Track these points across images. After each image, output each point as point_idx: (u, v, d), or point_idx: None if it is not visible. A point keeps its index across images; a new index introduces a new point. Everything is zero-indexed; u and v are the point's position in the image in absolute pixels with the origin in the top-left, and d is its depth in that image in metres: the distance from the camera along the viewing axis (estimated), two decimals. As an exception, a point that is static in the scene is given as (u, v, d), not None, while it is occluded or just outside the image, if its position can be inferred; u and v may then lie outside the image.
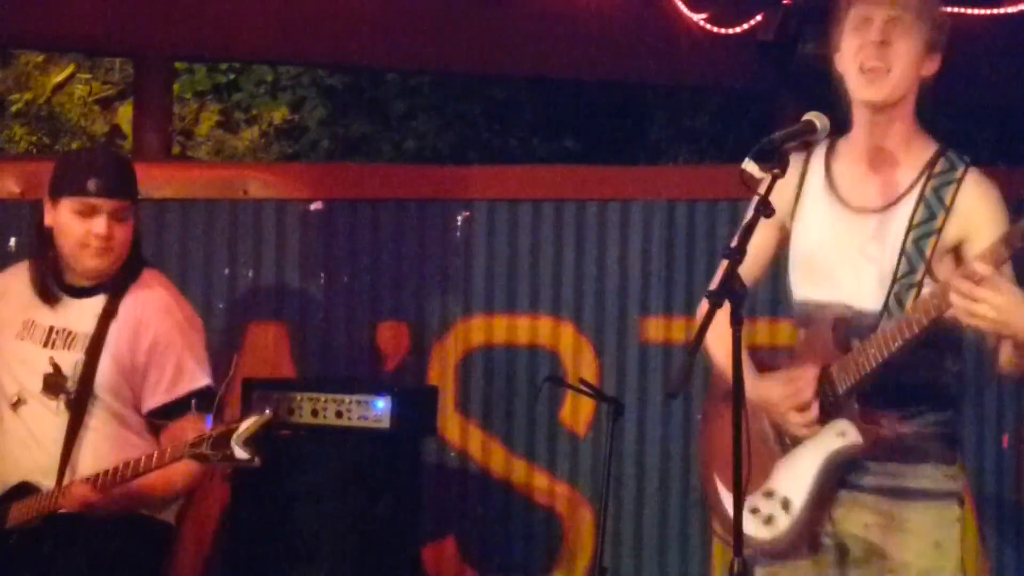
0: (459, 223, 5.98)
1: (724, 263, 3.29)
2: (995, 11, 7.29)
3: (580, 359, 5.97)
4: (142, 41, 6.90)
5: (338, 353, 5.89)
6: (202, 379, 4.36)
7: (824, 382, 3.58)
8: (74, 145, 11.89)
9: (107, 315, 4.29)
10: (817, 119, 3.50)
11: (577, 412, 5.96)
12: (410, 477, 5.35)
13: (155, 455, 4.09)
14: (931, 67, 3.62)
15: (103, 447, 4.26)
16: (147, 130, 7.06)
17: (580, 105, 12.13)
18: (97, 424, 4.28)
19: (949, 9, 7.02)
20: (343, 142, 12.50)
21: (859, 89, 3.57)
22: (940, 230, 3.53)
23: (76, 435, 4.26)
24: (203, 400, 4.24)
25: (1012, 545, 6.21)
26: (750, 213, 3.39)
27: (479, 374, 5.96)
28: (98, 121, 12.27)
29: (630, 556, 5.97)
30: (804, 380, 3.57)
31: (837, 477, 3.61)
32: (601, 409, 5.63)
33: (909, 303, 3.49)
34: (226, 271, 5.82)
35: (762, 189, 3.34)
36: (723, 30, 7.26)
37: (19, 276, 4.45)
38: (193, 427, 4.14)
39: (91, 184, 4.21)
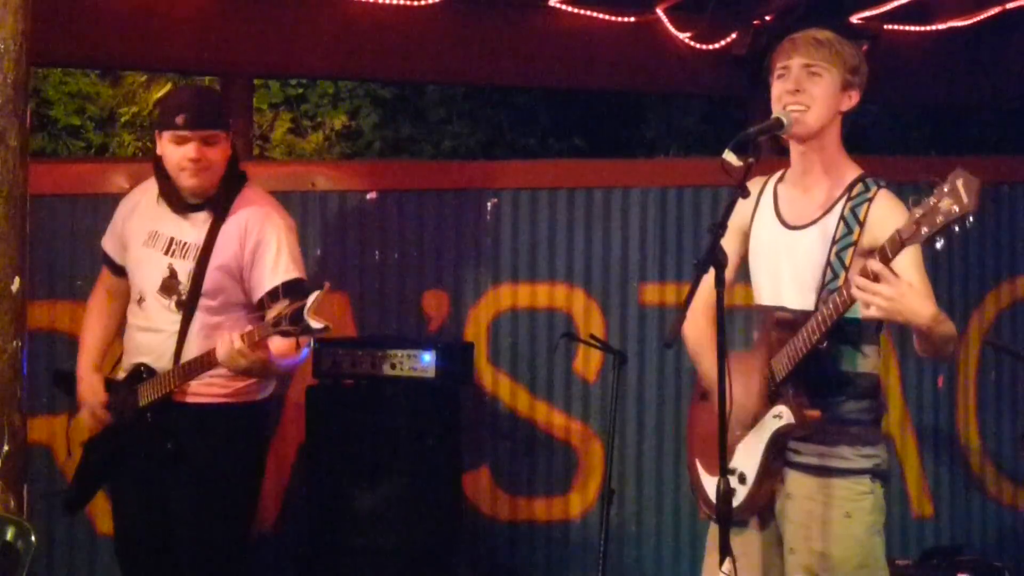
0: (489, 208, 5.96)
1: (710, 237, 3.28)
2: (926, 27, 7.30)
3: (590, 319, 5.95)
4: (228, 62, 6.94)
5: (391, 316, 5.88)
6: (294, 272, 4.39)
7: (767, 374, 3.55)
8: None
9: (214, 228, 4.36)
10: (784, 116, 3.49)
11: (588, 362, 5.95)
12: (451, 417, 5.35)
13: (254, 331, 4.13)
14: (849, 103, 3.57)
15: (209, 336, 4.32)
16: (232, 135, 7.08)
17: (587, 110, 12.13)
18: (203, 318, 4.35)
19: (888, 26, 7.13)
20: (392, 143, 12.50)
21: (786, 127, 3.49)
22: (856, 242, 3.47)
23: (187, 327, 4.34)
24: (294, 288, 4.32)
25: (946, 467, 6.21)
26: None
27: (507, 332, 5.94)
28: (191, 128, 12.26)
29: (633, 480, 5.96)
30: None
31: (781, 453, 3.58)
32: (608, 360, 5.61)
33: None
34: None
35: (739, 175, 3.32)
36: (704, 46, 7.26)
37: (149, 192, 4.51)
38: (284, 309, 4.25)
39: (179, 119, 4.28)
